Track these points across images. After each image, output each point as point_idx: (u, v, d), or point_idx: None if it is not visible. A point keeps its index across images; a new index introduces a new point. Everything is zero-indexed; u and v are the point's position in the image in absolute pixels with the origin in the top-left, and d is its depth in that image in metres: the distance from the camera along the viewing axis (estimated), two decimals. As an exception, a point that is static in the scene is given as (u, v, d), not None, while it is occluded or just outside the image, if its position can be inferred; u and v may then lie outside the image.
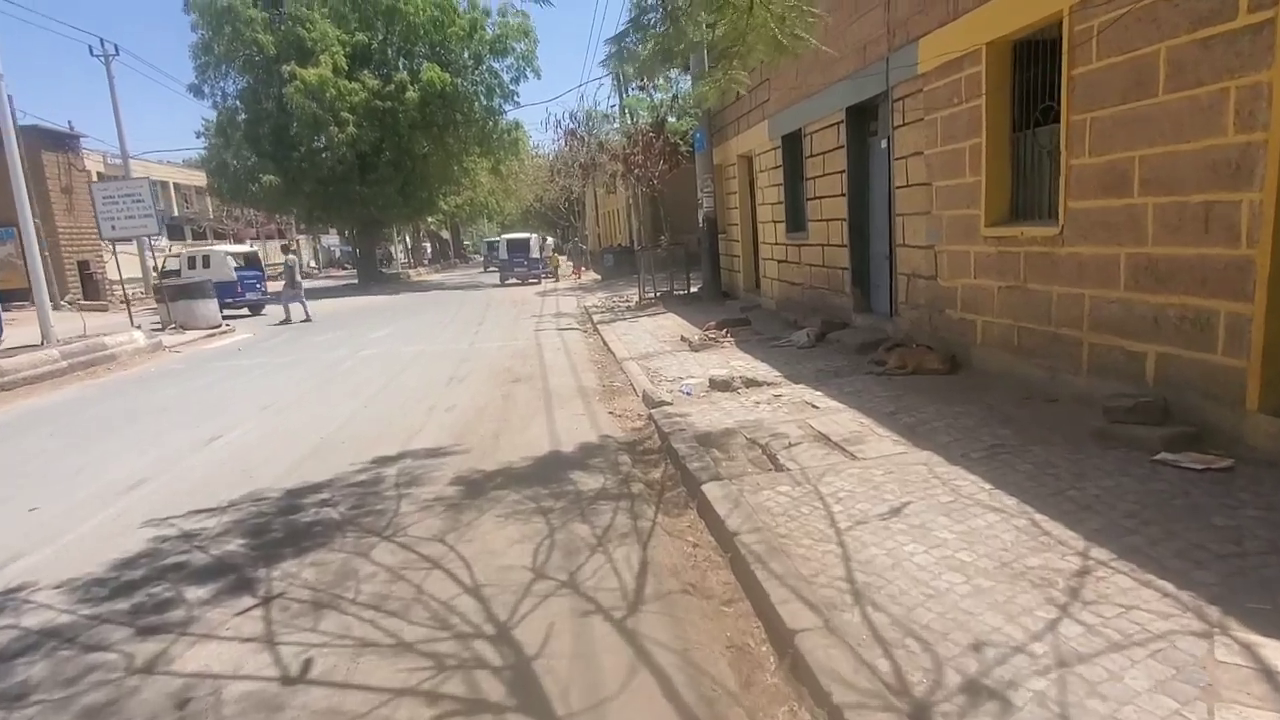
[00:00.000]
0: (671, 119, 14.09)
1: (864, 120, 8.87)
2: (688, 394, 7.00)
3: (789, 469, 4.59)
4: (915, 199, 7.42)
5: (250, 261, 21.56)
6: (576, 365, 9.48)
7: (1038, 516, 3.56)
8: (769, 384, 7.02)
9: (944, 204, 6.90)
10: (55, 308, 27.85)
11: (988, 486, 3.97)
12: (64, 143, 27.30)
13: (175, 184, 46.77)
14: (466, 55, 27.91)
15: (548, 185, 39.30)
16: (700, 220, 14.69)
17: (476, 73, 28.22)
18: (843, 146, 9.06)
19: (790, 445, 5.05)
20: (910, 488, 4.07)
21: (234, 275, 19.48)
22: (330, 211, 28.68)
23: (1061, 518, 3.52)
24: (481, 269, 41.59)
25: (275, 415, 7.43)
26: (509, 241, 29.07)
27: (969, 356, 6.74)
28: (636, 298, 16.58)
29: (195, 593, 3.49)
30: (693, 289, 15.99)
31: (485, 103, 28.44)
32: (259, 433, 6.75)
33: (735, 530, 3.70)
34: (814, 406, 6.06)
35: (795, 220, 11.29)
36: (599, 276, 28.30)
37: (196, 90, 27.29)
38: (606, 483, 4.83)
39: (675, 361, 8.74)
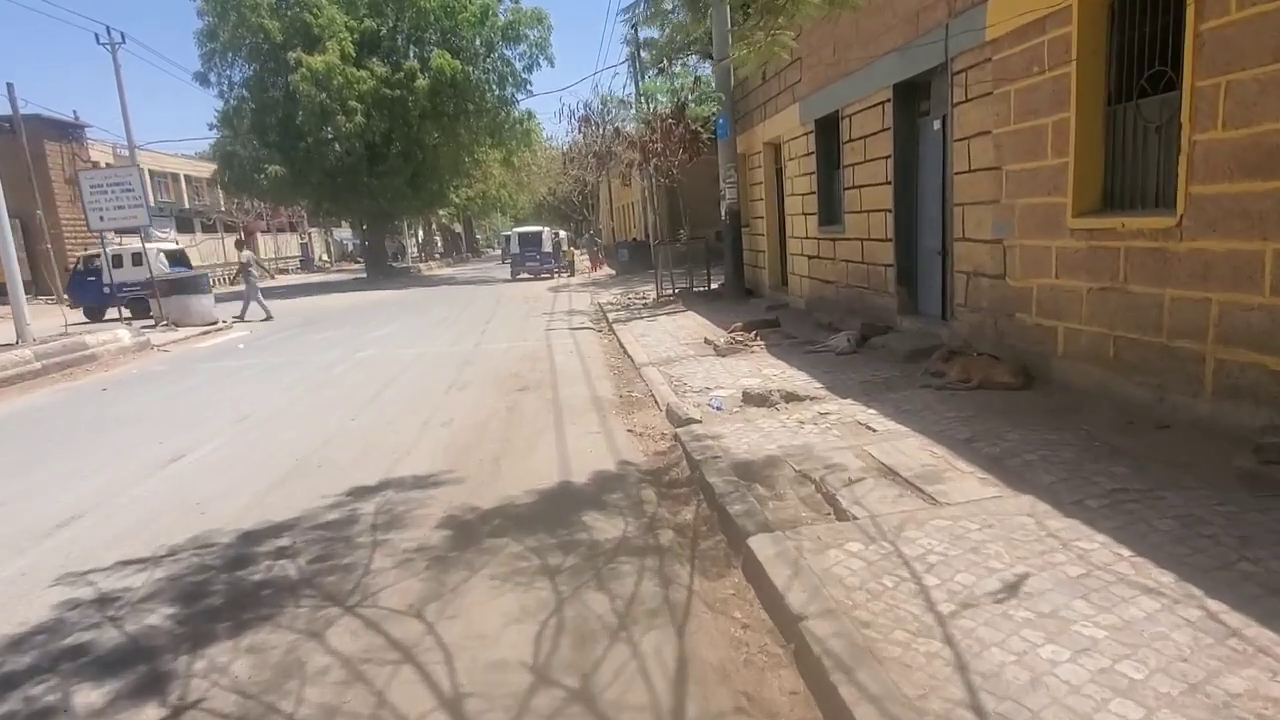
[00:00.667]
0: (692, 104, 13.10)
1: (914, 99, 7.91)
2: (718, 409, 6.11)
3: (855, 517, 3.69)
4: (979, 186, 6.46)
5: (177, 260, 20.70)
6: (590, 371, 8.61)
7: (1212, 604, 2.64)
8: (812, 398, 6.11)
9: (1017, 191, 5.95)
10: (58, 302, 27.45)
11: (1126, 553, 3.05)
12: (68, 132, 26.75)
13: (186, 176, 46.31)
14: (478, 42, 27.04)
15: (561, 177, 38.43)
16: (722, 213, 13.77)
17: (488, 60, 27.36)
18: (888, 129, 8.10)
19: (851, 482, 4.15)
20: (1021, 550, 3.16)
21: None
22: (339, 203, 27.97)
23: (1246, 607, 2.60)
24: (497, 262, 40.81)
25: (251, 429, 6.61)
26: (521, 235, 28.24)
27: (1046, 369, 5.80)
28: (654, 295, 15.67)
29: (86, 697, 2.65)
30: (714, 286, 15.06)
31: (497, 92, 27.58)
32: (228, 452, 5.92)
33: (800, 612, 2.81)
34: (870, 429, 5.15)
35: (829, 212, 10.35)
36: (613, 271, 27.42)
37: (202, 79, 26.65)
38: (628, 529, 3.95)
39: (700, 368, 7.84)
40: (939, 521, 3.53)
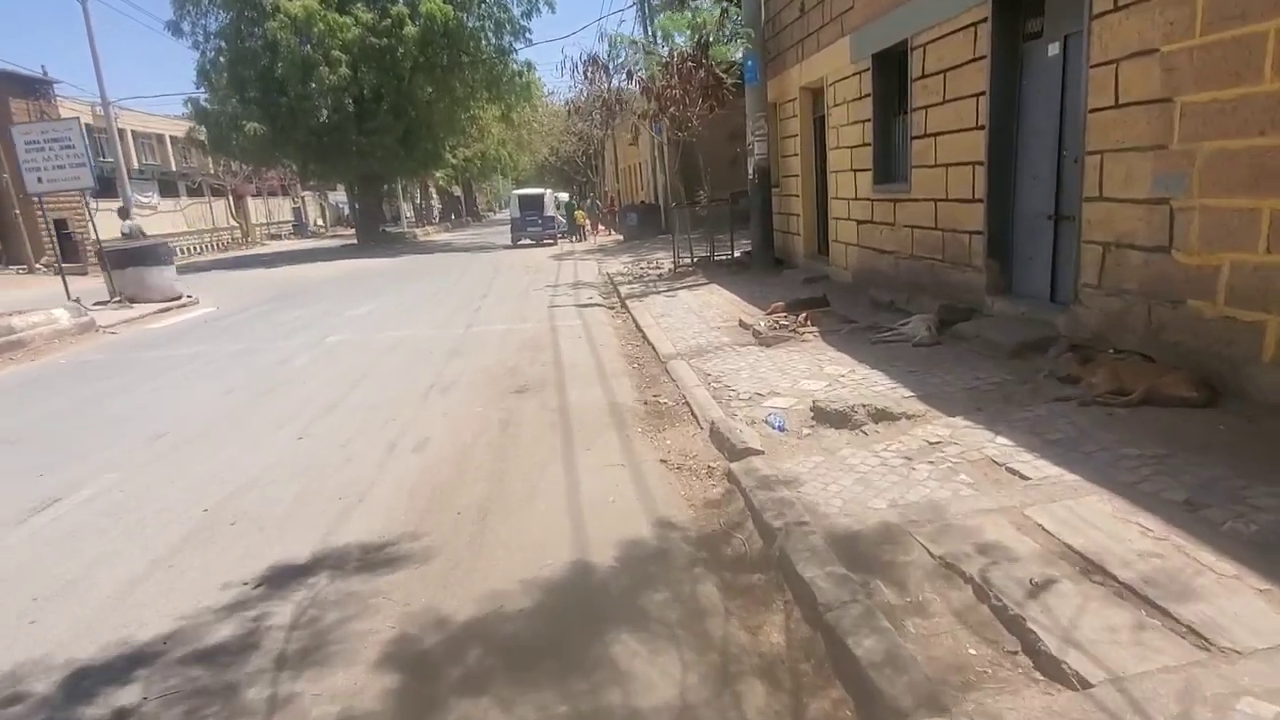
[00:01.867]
0: (717, 44, 11.26)
1: (1015, 18, 6.18)
2: (780, 429, 4.56)
3: (1079, 677, 2.15)
4: (1131, 127, 4.79)
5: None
6: (604, 364, 7.04)
7: None
8: (909, 415, 4.53)
9: (1202, 131, 4.29)
10: (29, 271, 25.84)
11: None
12: (34, 89, 24.82)
13: (172, 137, 44.12)
14: (473, -14, 24.86)
15: (564, 136, 36.37)
16: (749, 171, 12.03)
17: (483, 6, 25.19)
18: (982, 58, 6.38)
19: (1036, 587, 2.60)
20: None
21: None
22: (326, 164, 26.10)
23: None
24: (498, 227, 38.93)
25: (162, 456, 5.07)
26: (521, 198, 26.41)
27: (1238, 380, 4.21)
28: (670, 264, 14.02)
29: None
30: (737, 254, 13.39)
31: (494, 40, 25.47)
32: (119, 495, 4.39)
33: None
34: (1015, 473, 3.59)
35: (888, 168, 8.65)
36: (620, 237, 25.65)
37: (174, 28, 24.60)
38: (686, 677, 2.43)
39: (743, 363, 6.27)
40: (1249, 704, 1.98)
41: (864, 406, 4.63)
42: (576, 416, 5.38)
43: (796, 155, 11.56)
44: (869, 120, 8.76)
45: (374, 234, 29.69)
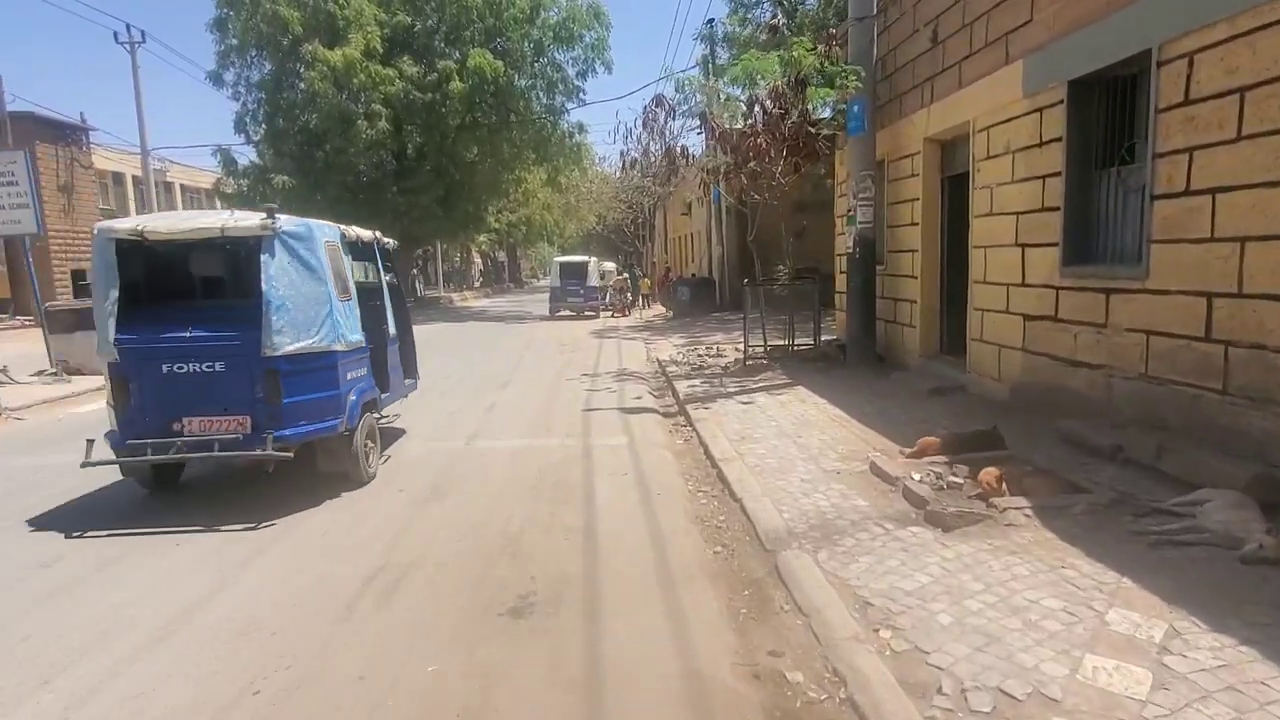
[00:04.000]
0: (814, 83, 8.84)
1: None
2: None
3: None
4: None
5: None
6: (667, 541, 4.27)
7: None
8: None
9: None
10: (37, 325, 24.46)
11: None
12: (66, 134, 23.99)
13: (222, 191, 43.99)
14: (526, 44, 23.46)
15: (612, 203, 34.66)
16: (849, 243, 9.43)
17: (536, 65, 23.75)
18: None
19: None
20: None
21: None
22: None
23: None
24: (540, 295, 37.04)
25: None
26: (562, 265, 24.33)
27: None
28: (735, 353, 11.36)
29: None
30: (823, 341, 10.67)
31: (545, 100, 23.91)
32: None
33: None
34: None
35: (1088, 243, 5.92)
36: (669, 312, 23.22)
37: (216, 78, 23.62)
38: None
39: (923, 575, 3.44)
40: None
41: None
42: (622, 711, 2.60)
43: (914, 225, 8.92)
44: (1055, 175, 6.09)
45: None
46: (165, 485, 5.45)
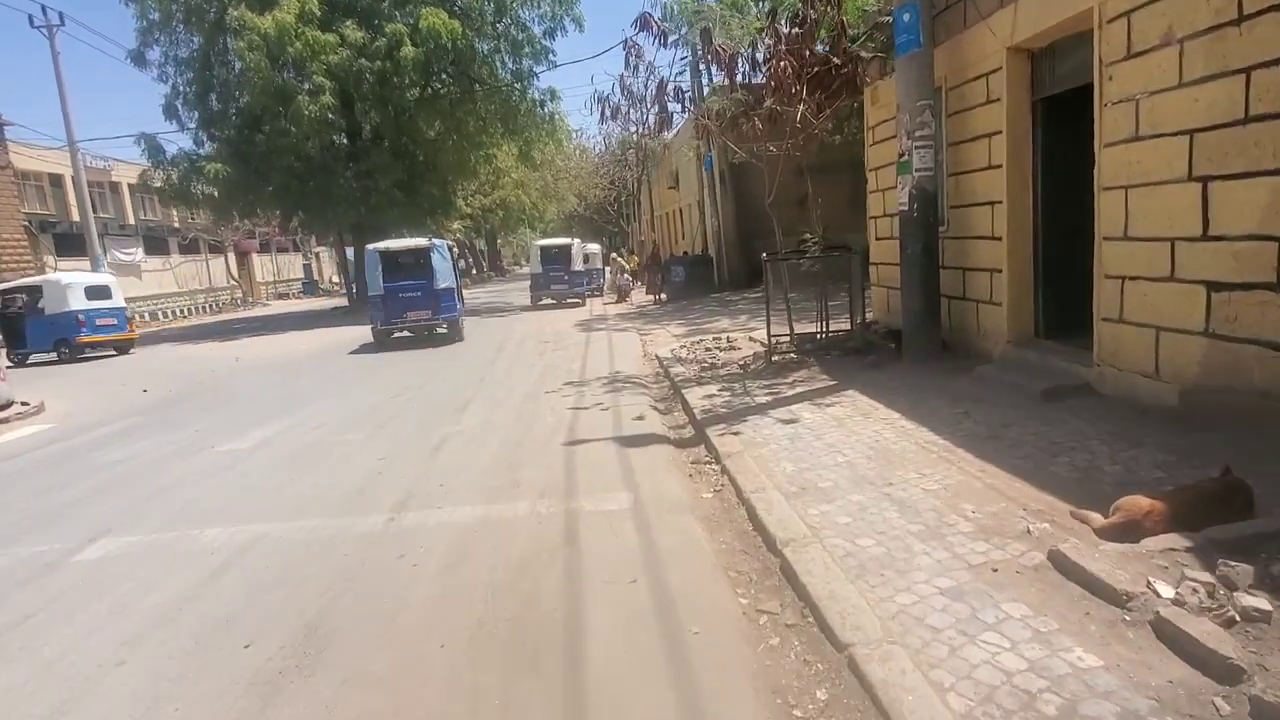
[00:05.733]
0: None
1: None
2: None
3: None
4: None
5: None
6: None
7: None
8: None
9: None
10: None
11: None
12: (-26, 130, 21.28)
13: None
14: (486, 2, 20.87)
15: (592, 179, 32.23)
16: (902, 198, 7.21)
17: (499, 25, 21.20)
18: None
19: None
20: None
21: None
22: (310, 212, 21.97)
23: None
24: (522, 284, 34.65)
25: None
26: (543, 249, 22.00)
27: None
28: (753, 345, 9.20)
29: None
30: (861, 325, 8.50)
31: (511, 65, 21.40)
32: None
33: None
34: None
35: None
36: (661, 296, 20.99)
37: (138, 58, 20.94)
38: None
39: None
40: None
41: None
42: None
43: (992, 169, 6.72)
44: (1272, 63, 3.90)
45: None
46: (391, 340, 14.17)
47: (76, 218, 28.39)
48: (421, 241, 14.28)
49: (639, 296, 21.75)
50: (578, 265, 21.88)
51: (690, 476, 5.04)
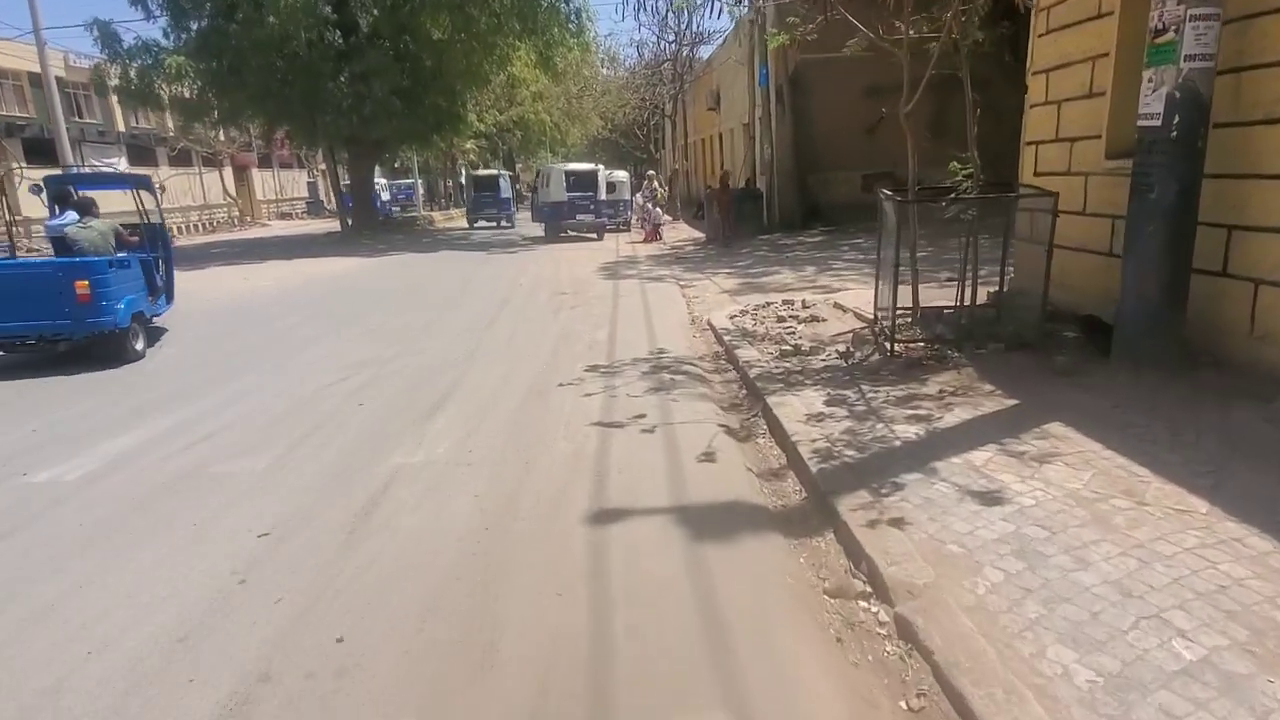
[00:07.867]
0: None
1: None
2: None
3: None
4: None
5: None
6: None
7: None
8: None
9: None
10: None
11: None
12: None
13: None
14: None
15: (621, 94, 28.80)
16: (1157, 107, 4.39)
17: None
18: None
19: None
20: None
21: None
22: (295, 121, 19.07)
23: None
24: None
25: None
26: (566, 174, 19.17)
27: None
28: (838, 312, 6.54)
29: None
30: (1003, 297, 5.76)
31: (527, -51, 17.98)
32: None
33: None
34: None
35: None
36: (698, 236, 18.13)
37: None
38: None
39: None
40: None
41: None
42: None
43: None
44: None
45: (369, 219, 22.49)
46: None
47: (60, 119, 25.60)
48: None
49: (670, 234, 18.89)
50: (604, 194, 19.32)
51: (839, 641, 2.51)
